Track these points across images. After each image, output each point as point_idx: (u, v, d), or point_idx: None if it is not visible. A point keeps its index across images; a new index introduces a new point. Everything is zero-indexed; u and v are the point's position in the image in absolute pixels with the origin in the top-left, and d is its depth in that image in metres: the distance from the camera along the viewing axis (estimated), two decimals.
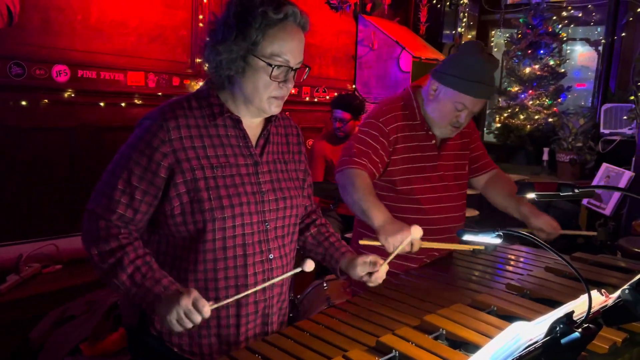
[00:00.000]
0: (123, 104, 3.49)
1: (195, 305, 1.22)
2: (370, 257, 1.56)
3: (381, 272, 1.56)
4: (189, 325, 1.23)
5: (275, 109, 1.40)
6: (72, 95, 3.24)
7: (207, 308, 1.24)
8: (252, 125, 1.47)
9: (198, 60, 3.88)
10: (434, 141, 2.11)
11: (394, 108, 2.07)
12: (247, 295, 1.40)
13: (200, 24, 3.85)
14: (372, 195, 1.87)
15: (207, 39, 1.37)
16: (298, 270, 1.45)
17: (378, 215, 1.79)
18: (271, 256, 1.46)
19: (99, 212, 1.35)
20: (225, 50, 1.32)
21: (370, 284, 1.58)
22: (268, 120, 1.49)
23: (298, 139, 1.62)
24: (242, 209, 1.39)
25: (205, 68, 1.40)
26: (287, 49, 1.33)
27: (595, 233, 2.28)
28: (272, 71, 1.33)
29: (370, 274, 1.56)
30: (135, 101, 3.54)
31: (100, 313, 2.39)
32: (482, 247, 1.85)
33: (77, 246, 2.99)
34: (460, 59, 1.96)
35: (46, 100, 3.15)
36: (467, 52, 1.96)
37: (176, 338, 1.44)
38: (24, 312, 2.67)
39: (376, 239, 1.79)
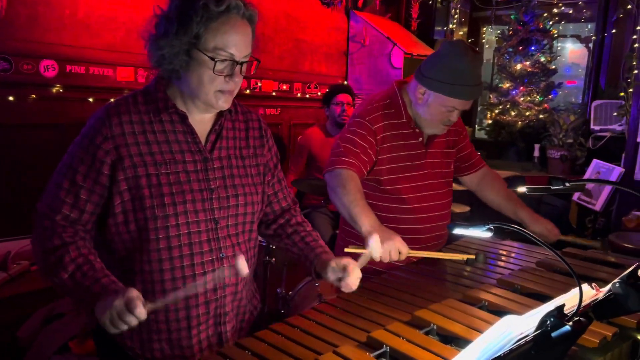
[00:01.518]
0: (112, 100, 3.44)
1: (128, 306, 1.17)
2: (343, 262, 1.48)
3: (352, 278, 1.46)
4: (123, 327, 1.18)
5: (223, 103, 1.36)
6: (61, 90, 3.20)
7: (141, 309, 1.17)
8: (203, 120, 1.43)
9: None
10: (420, 139, 2.10)
11: (379, 107, 2.05)
12: (196, 296, 1.37)
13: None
14: (362, 199, 1.83)
15: (150, 33, 1.33)
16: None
17: (366, 222, 1.75)
18: (222, 255, 1.41)
19: (45, 212, 1.34)
20: (167, 45, 1.28)
21: (343, 289, 1.49)
22: (219, 115, 1.46)
23: (261, 132, 1.56)
24: (187, 207, 1.35)
25: (150, 62, 1.35)
26: (231, 42, 1.30)
27: (594, 242, 2.28)
28: (215, 65, 1.29)
29: (340, 279, 1.47)
30: None
31: (89, 311, 2.37)
32: (474, 257, 1.83)
33: None
34: (446, 62, 1.91)
35: (34, 96, 3.11)
36: (451, 55, 1.91)
37: (129, 341, 1.41)
38: (13, 310, 2.64)
39: (362, 246, 1.72)
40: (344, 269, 1.47)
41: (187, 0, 1.28)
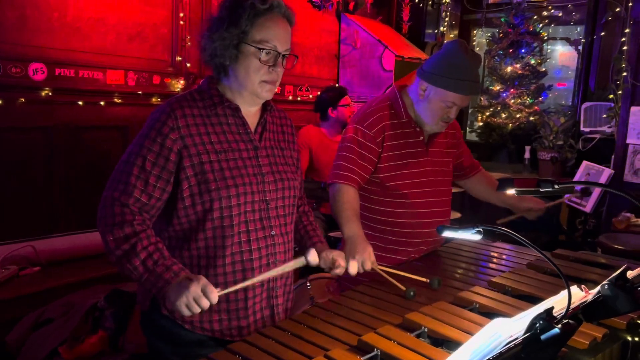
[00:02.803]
0: (102, 103, 3.44)
1: (204, 291, 1.32)
2: (333, 254, 1.69)
3: (339, 269, 1.69)
4: (197, 310, 1.33)
5: (266, 93, 1.54)
6: (50, 93, 3.18)
7: (215, 294, 1.33)
8: (250, 113, 1.60)
9: (179, 58, 3.83)
10: (421, 137, 2.15)
11: (380, 108, 2.12)
12: (252, 270, 1.53)
13: (181, 22, 3.80)
14: (350, 210, 1.97)
15: (205, 31, 1.52)
16: (301, 260, 1.55)
17: (346, 231, 1.92)
18: (273, 232, 1.58)
19: (116, 196, 1.44)
20: (219, 38, 1.47)
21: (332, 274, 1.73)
22: (264, 110, 1.64)
23: (292, 130, 1.78)
24: (245, 189, 1.51)
25: (203, 58, 1.55)
26: (274, 35, 1.49)
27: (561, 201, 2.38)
28: (261, 55, 1.48)
29: (331, 268, 1.70)
30: (115, 100, 3.48)
31: (79, 315, 2.35)
32: (438, 281, 1.80)
33: (55, 247, 2.94)
34: (447, 58, 2.01)
35: (23, 99, 3.08)
36: (452, 52, 2.01)
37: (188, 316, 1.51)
38: (1, 315, 2.61)
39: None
40: (334, 263, 1.69)
41: (236, 1, 1.49)
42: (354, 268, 1.74)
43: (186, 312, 1.33)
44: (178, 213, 1.51)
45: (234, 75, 1.52)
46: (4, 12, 2.94)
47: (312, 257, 1.56)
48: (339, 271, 1.69)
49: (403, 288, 1.69)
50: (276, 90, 1.58)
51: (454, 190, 2.42)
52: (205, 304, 1.33)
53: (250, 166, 1.55)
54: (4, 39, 2.97)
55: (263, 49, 1.48)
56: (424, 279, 1.80)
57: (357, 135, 2.08)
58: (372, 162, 2.08)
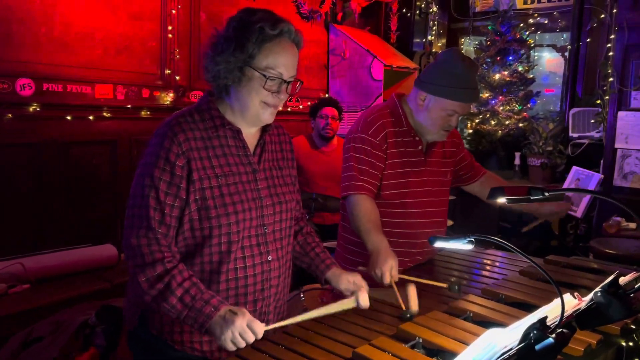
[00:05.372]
0: (91, 118, 3.42)
1: (250, 326, 1.30)
2: (355, 279, 1.63)
3: (365, 295, 1.60)
4: (243, 344, 1.30)
5: (268, 117, 1.51)
6: (38, 109, 3.15)
7: (261, 329, 1.32)
8: (249, 135, 1.57)
9: (168, 71, 3.82)
10: (420, 147, 2.16)
11: (381, 116, 2.12)
12: (245, 294, 1.51)
13: (170, 35, 3.79)
14: (370, 222, 1.95)
15: (209, 51, 1.47)
16: (352, 304, 1.55)
17: (368, 245, 1.90)
18: (269, 258, 1.55)
19: (141, 234, 1.40)
20: (224, 61, 1.43)
21: (361, 303, 1.59)
22: (264, 130, 1.60)
23: (290, 146, 1.74)
24: (245, 215, 1.49)
25: (205, 77, 1.50)
26: (281, 62, 1.44)
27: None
28: (265, 82, 1.43)
29: (353, 292, 1.61)
30: (104, 114, 3.46)
31: (69, 333, 2.31)
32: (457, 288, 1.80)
33: (44, 264, 2.90)
34: (443, 67, 2.02)
35: (10, 115, 3.06)
36: (448, 60, 2.02)
37: (178, 335, 1.50)
38: None
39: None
40: (357, 286, 1.61)
41: (245, 22, 1.43)
42: (365, 301, 1.61)
43: (231, 347, 1.31)
44: (176, 237, 1.47)
45: (236, 97, 1.49)
46: None
47: (364, 300, 1.55)
48: (364, 298, 1.59)
49: (404, 307, 1.63)
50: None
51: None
52: (251, 338, 1.30)
53: (249, 190, 1.52)
54: None
55: (268, 77, 1.44)
56: (442, 284, 1.80)
57: (364, 145, 2.07)
58: (380, 170, 2.08)
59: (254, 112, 1.48)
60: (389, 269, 1.77)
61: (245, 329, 1.29)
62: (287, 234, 1.63)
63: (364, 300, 1.57)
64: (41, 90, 3.17)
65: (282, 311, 1.68)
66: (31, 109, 3.13)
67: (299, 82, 1.53)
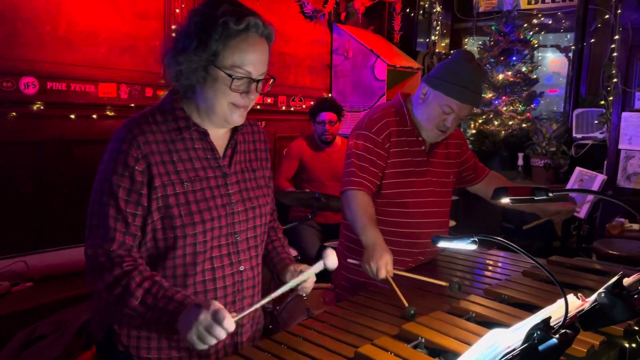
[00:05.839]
0: (95, 116, 3.42)
1: (215, 318, 1.15)
2: (300, 267, 1.51)
3: (308, 282, 1.48)
4: (212, 341, 1.16)
5: (238, 118, 1.39)
6: (41, 107, 3.16)
7: (230, 321, 1.16)
8: (218, 136, 1.45)
9: None
10: (423, 147, 2.15)
11: (385, 114, 2.13)
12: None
13: (173, 34, 3.80)
14: (365, 216, 1.94)
15: (169, 48, 1.34)
16: (319, 266, 1.43)
17: (363, 239, 1.90)
18: (242, 268, 1.45)
19: (98, 244, 1.30)
20: (186, 60, 1.30)
21: (300, 292, 1.52)
22: (234, 130, 1.48)
23: (265, 145, 1.62)
24: (213, 224, 1.37)
25: (168, 77, 1.37)
26: (249, 60, 1.31)
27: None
28: (232, 82, 1.31)
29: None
30: (107, 113, 3.47)
31: (72, 332, 2.32)
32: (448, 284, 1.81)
33: (47, 262, 2.91)
34: (450, 65, 2.03)
35: (14, 114, 3.06)
36: (455, 59, 2.04)
37: (145, 351, 1.40)
38: None
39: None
40: (301, 273, 1.48)
41: (207, 17, 1.29)
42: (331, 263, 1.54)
43: (200, 346, 1.17)
44: (139, 249, 1.36)
45: (202, 97, 1.36)
46: None
47: (331, 261, 1.42)
48: (306, 285, 1.49)
49: (406, 304, 1.62)
50: (253, 107, 1.43)
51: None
52: (220, 333, 1.15)
53: (218, 196, 1.40)
54: None
55: (235, 77, 1.31)
56: (443, 283, 1.80)
57: (367, 143, 2.07)
58: (381, 168, 2.08)
59: (221, 114, 1.36)
60: (385, 264, 1.77)
61: (211, 321, 1.15)
62: (262, 240, 1.53)
63: (331, 262, 1.45)
64: (45, 88, 3.17)
65: (259, 322, 1.60)
66: (35, 108, 3.14)
67: (271, 80, 1.39)
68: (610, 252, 3.01)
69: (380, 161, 2.07)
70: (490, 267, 2.18)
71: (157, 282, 1.28)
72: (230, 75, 1.30)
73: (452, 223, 3.88)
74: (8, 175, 3.08)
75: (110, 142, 1.36)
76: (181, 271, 1.36)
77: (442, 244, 1.30)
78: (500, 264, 2.19)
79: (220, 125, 1.43)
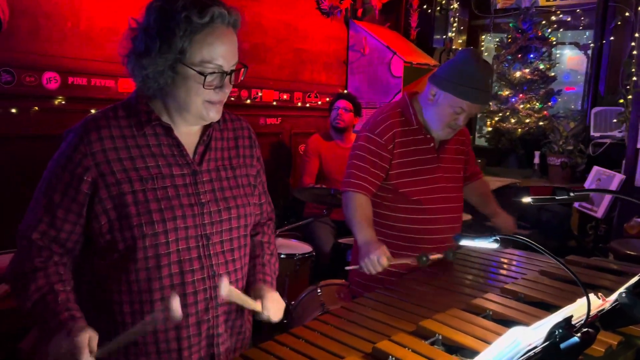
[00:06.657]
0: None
1: (72, 352, 1.09)
2: (261, 293, 1.42)
3: (271, 311, 1.41)
4: None
5: (214, 115, 1.31)
6: (63, 102, 3.21)
7: (86, 358, 1.09)
8: (190, 132, 1.37)
9: None
10: (432, 144, 2.17)
11: (390, 116, 2.14)
12: (187, 316, 1.30)
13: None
14: (362, 217, 2.02)
15: (130, 47, 1.26)
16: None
17: (359, 238, 1.99)
18: (213, 272, 1.34)
19: (23, 230, 1.29)
20: (151, 64, 1.22)
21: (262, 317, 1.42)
22: (208, 126, 1.39)
23: (250, 142, 1.51)
24: (177, 223, 1.29)
25: (133, 80, 1.29)
26: (218, 53, 1.24)
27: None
28: (205, 79, 1.23)
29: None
30: None
31: None
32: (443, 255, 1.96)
33: None
34: (458, 66, 2.04)
35: (36, 108, 3.11)
36: (463, 59, 2.04)
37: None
38: (14, 322, 2.63)
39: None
40: (262, 301, 1.40)
41: (167, 13, 1.21)
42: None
43: None
44: (99, 251, 1.30)
45: (172, 97, 1.28)
46: (17, 22, 2.98)
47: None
48: (271, 314, 1.41)
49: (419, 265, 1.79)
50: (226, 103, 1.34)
51: None
52: None
53: (185, 195, 1.31)
54: (18, 49, 3.01)
55: (206, 72, 1.23)
56: (439, 255, 1.93)
57: (368, 144, 2.10)
58: (383, 170, 2.11)
59: (196, 113, 1.29)
60: (383, 252, 1.86)
61: (67, 355, 1.09)
62: (242, 244, 1.43)
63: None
64: (66, 83, 3.22)
65: (239, 332, 1.48)
66: (56, 102, 3.19)
67: (243, 68, 1.30)
68: (628, 252, 2.99)
69: (382, 163, 2.10)
70: (506, 266, 2.18)
71: (55, 292, 1.22)
72: (201, 73, 1.22)
73: (467, 217, 3.88)
74: (32, 168, 3.14)
75: (67, 132, 1.33)
76: (144, 275, 1.27)
77: (464, 243, 1.31)
78: (515, 263, 2.19)
79: (195, 123, 1.35)
